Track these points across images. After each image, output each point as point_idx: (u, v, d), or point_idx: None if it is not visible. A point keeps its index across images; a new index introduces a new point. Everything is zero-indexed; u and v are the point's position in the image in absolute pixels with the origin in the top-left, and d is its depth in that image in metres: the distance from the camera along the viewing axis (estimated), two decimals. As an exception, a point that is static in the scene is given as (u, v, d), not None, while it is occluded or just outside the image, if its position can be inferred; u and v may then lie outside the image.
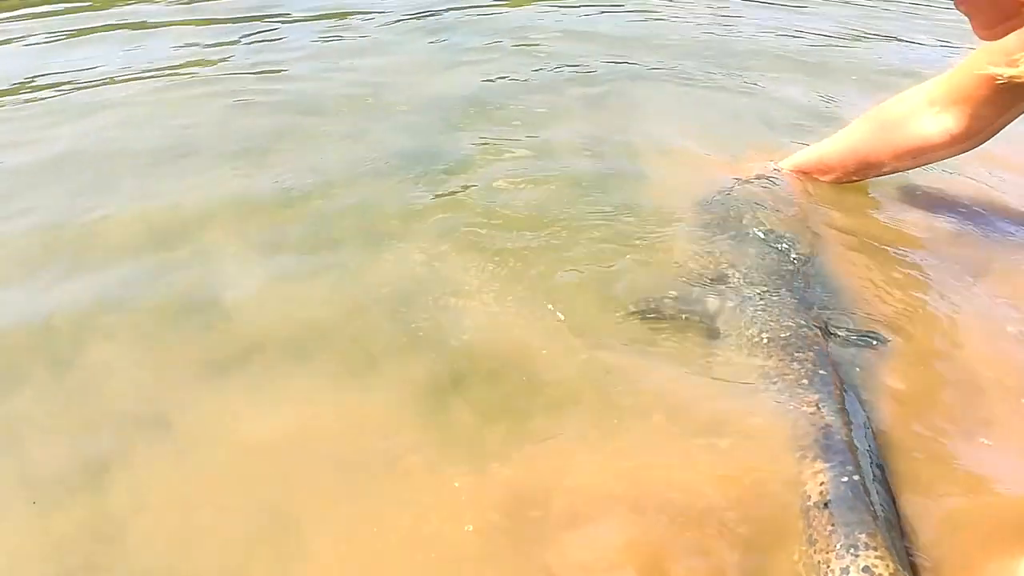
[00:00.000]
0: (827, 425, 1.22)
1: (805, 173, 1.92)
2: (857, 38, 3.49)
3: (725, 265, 1.64)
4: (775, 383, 1.34)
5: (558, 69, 2.86)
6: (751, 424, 1.27)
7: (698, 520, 1.12)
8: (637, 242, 1.74)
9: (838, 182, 1.91)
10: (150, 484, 1.20)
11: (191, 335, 1.49)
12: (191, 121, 2.38)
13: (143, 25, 3.30)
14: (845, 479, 1.12)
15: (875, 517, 1.06)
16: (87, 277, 1.65)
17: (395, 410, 1.33)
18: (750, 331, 1.45)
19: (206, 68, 2.82)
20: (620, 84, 2.76)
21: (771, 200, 1.85)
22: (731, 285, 1.58)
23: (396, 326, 1.50)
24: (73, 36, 3.16)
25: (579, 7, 3.72)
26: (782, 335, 1.43)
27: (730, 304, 1.52)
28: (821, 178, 1.91)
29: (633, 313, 1.52)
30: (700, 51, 3.09)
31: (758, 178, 1.93)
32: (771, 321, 1.46)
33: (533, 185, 2.00)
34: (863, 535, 1.03)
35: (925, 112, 1.77)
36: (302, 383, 1.39)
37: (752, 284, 1.58)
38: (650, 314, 1.52)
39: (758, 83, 2.79)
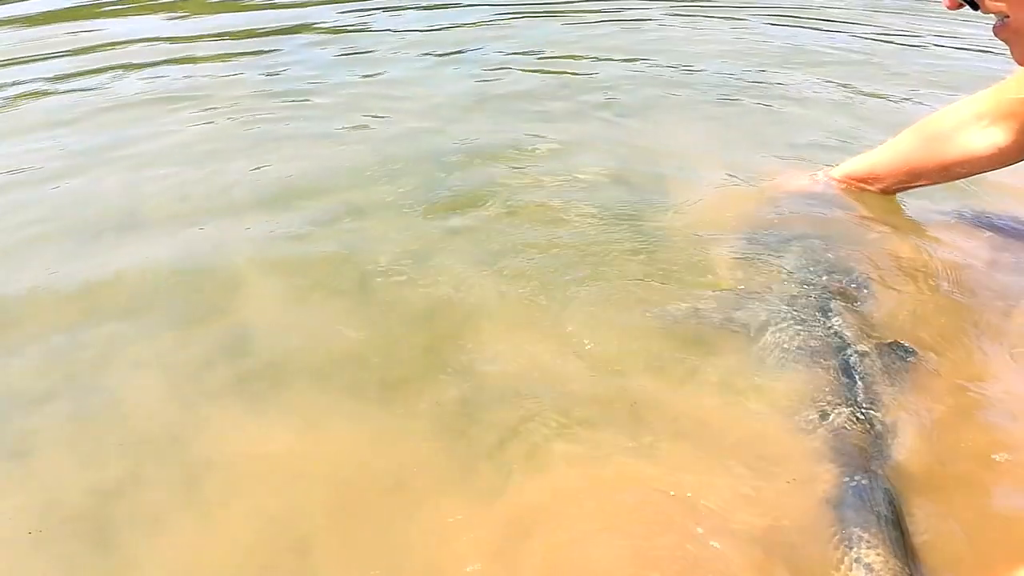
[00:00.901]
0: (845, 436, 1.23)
1: (856, 181, 1.94)
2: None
3: (763, 280, 1.63)
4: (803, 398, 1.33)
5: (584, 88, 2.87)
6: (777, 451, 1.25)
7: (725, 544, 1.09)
8: (667, 265, 1.72)
9: (887, 192, 1.92)
10: (161, 507, 1.18)
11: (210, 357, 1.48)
12: (213, 147, 2.39)
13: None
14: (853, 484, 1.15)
15: (878, 517, 1.08)
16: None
17: (413, 433, 1.31)
18: (784, 345, 1.44)
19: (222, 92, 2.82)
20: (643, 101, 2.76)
21: (815, 214, 1.85)
22: (767, 302, 1.56)
23: (416, 350, 1.50)
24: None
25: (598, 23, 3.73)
26: (814, 350, 1.42)
27: (765, 322, 1.51)
28: (870, 187, 1.92)
29: (661, 333, 1.50)
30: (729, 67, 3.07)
31: (804, 191, 1.95)
32: (805, 337, 1.45)
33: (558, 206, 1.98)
34: (864, 532, 1.07)
35: (973, 125, 1.77)
36: (324, 405, 1.38)
37: (789, 302, 1.55)
38: (679, 332, 1.51)
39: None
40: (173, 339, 1.53)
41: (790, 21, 3.97)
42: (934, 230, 1.87)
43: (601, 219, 1.92)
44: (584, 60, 3.26)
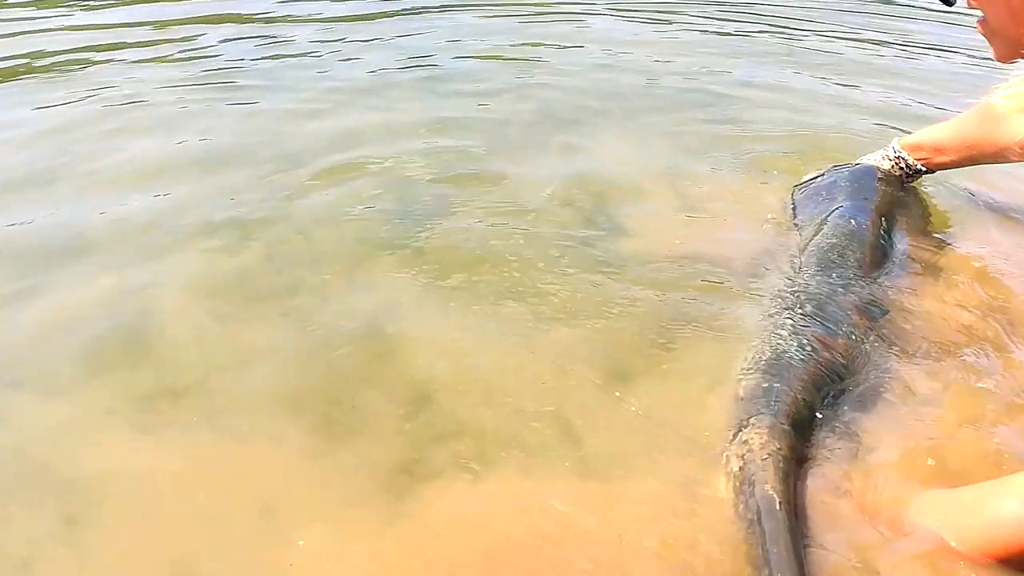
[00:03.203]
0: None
1: (923, 152, 1.98)
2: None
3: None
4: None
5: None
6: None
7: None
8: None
9: (949, 166, 1.98)
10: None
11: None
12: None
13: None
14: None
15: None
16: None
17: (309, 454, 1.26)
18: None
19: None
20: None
21: (853, 190, 1.93)
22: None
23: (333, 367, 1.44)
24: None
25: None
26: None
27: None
28: (935, 159, 1.97)
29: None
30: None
31: (850, 167, 2.04)
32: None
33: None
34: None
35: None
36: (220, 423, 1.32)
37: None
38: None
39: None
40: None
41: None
42: (977, 213, 1.99)
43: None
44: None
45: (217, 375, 1.40)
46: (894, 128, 2.46)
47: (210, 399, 1.35)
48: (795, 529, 1.08)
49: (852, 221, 1.79)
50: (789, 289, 1.60)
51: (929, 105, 2.81)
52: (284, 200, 1.99)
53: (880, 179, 1.96)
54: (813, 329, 1.44)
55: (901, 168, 1.99)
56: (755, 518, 1.09)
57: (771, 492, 1.11)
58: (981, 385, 1.38)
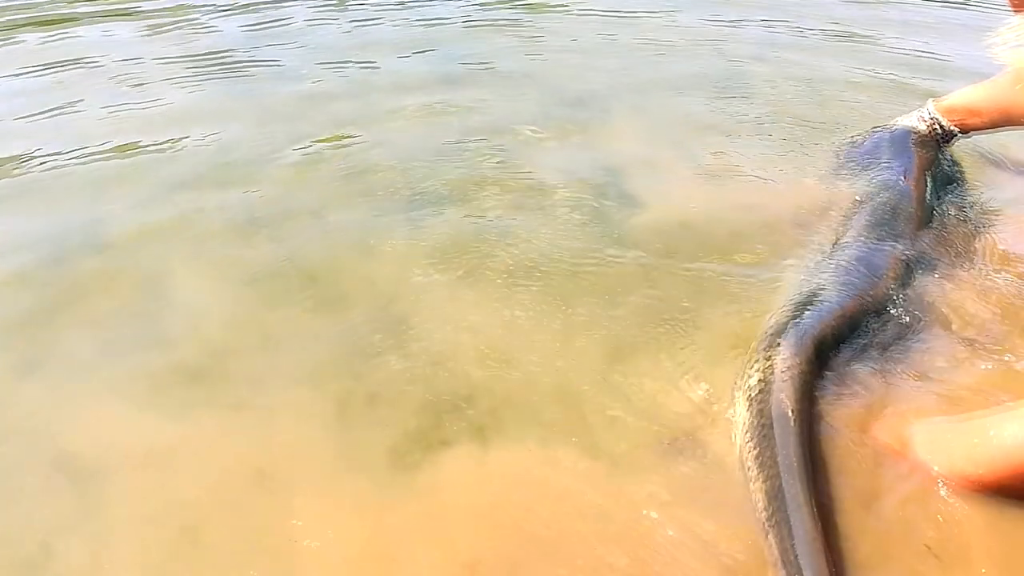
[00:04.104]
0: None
1: (957, 114, 1.99)
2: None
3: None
4: None
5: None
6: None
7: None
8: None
9: (983, 128, 1.98)
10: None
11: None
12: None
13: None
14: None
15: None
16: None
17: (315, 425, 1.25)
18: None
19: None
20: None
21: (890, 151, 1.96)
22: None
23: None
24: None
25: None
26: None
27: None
28: (968, 121, 1.98)
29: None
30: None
31: (889, 130, 2.06)
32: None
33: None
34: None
35: None
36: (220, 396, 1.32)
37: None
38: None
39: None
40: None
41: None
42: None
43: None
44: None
45: (229, 351, 1.40)
46: (910, 83, 2.50)
47: (224, 376, 1.35)
48: (805, 439, 1.10)
49: (900, 181, 1.81)
50: (834, 243, 1.61)
51: (942, 57, 2.81)
52: (291, 175, 1.98)
53: (918, 142, 1.97)
54: (852, 276, 1.46)
55: (936, 130, 1.99)
56: (767, 424, 1.11)
57: (786, 401, 1.13)
58: (999, 340, 1.38)
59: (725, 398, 1.24)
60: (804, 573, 0.93)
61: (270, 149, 2.12)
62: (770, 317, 1.37)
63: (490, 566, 1.03)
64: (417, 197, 1.87)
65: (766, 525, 1.01)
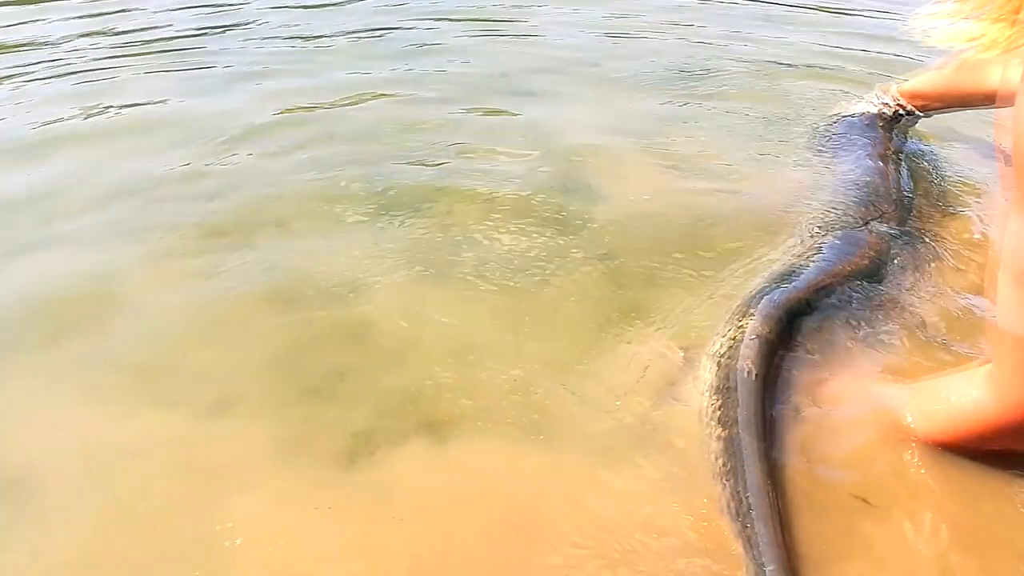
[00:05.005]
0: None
1: (917, 98, 2.10)
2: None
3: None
4: None
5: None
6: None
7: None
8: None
9: (944, 110, 2.11)
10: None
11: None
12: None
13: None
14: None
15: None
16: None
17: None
18: None
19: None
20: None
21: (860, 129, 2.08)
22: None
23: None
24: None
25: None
26: None
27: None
28: (930, 104, 2.09)
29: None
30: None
31: (857, 114, 2.15)
32: None
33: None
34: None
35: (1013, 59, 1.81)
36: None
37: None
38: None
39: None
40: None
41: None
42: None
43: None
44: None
45: (173, 348, 1.35)
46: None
47: (167, 373, 1.30)
48: (762, 397, 1.15)
49: (873, 162, 1.90)
50: (812, 224, 1.67)
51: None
52: (245, 163, 1.95)
53: (884, 124, 2.08)
54: (825, 251, 1.52)
55: (900, 113, 2.11)
56: (730, 383, 1.17)
57: (749, 363, 1.19)
58: (963, 306, 1.44)
59: (687, 388, 1.24)
60: (752, 517, 0.99)
61: (216, 134, 2.10)
62: (741, 295, 1.39)
63: (443, 563, 1.00)
64: (372, 189, 1.83)
65: (720, 474, 1.07)
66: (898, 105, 2.11)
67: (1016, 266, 0.97)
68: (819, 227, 1.65)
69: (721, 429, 1.12)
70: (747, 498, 1.02)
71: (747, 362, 1.19)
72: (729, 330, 1.28)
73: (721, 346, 1.26)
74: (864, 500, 1.07)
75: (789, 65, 2.71)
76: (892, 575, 0.99)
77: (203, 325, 1.41)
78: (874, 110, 2.12)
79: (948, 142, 2.17)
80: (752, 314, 1.29)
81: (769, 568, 0.94)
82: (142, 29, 2.95)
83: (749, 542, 0.98)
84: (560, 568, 0.99)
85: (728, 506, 1.03)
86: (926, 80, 2.11)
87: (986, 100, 1.89)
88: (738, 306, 1.35)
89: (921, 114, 2.10)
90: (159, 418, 1.21)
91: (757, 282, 1.44)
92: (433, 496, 1.09)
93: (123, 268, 1.56)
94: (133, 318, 1.42)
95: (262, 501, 1.08)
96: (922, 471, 1.11)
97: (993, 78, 1.84)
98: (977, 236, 1.68)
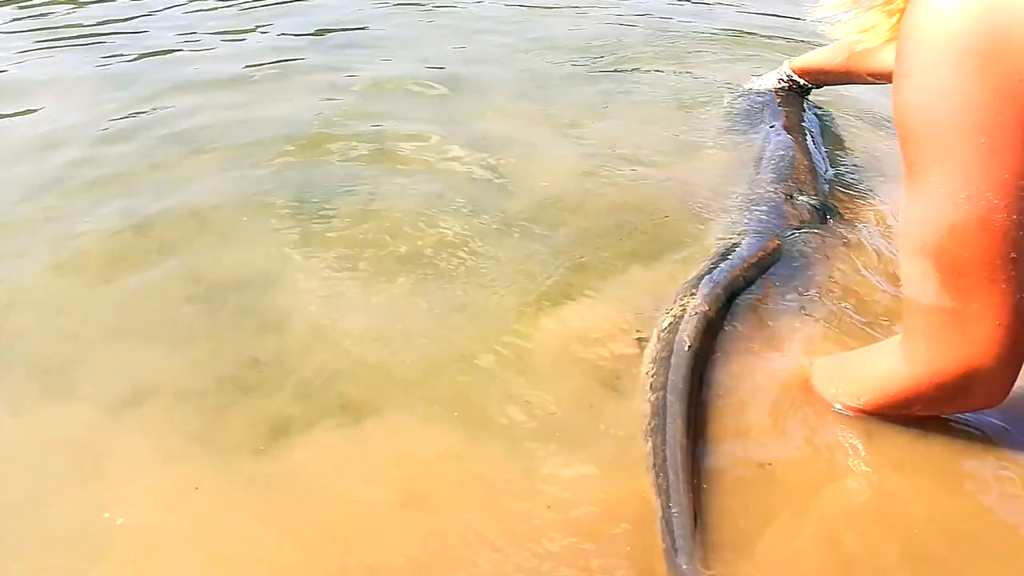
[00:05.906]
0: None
1: (809, 73, 2.22)
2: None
3: None
4: None
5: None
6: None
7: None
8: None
9: (832, 84, 2.24)
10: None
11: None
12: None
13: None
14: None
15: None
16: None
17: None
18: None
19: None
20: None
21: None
22: None
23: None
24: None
25: None
26: None
27: None
28: (821, 79, 2.21)
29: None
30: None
31: (756, 91, 2.27)
32: None
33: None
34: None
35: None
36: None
37: None
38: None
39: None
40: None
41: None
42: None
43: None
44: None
45: (73, 337, 1.34)
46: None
47: (69, 365, 1.28)
48: (695, 366, 1.22)
49: (790, 137, 1.98)
50: (741, 201, 1.73)
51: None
52: (142, 144, 1.96)
53: (784, 99, 2.21)
54: (759, 228, 1.60)
55: (794, 88, 2.23)
56: (667, 353, 1.23)
57: (687, 338, 1.25)
58: (887, 278, 1.49)
59: (615, 367, 1.27)
60: (668, 470, 1.05)
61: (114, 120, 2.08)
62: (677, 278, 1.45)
63: (361, 551, 1.00)
64: (289, 182, 1.81)
65: (647, 432, 1.14)
66: (790, 80, 2.23)
67: (910, 237, 1.02)
68: (744, 204, 1.71)
69: (651, 393, 1.19)
70: (664, 450, 1.08)
71: (685, 335, 1.26)
72: (674, 307, 1.34)
73: (665, 321, 1.32)
74: (771, 466, 1.12)
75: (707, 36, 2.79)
76: (803, 543, 1.02)
77: (116, 320, 1.39)
78: (782, 85, 2.24)
79: (857, 113, 2.27)
80: (694, 293, 1.36)
81: (675, 510, 1.00)
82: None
83: (660, 490, 1.04)
84: (475, 544, 1.01)
85: (650, 463, 1.09)
86: (815, 56, 2.21)
87: (874, 79, 2.00)
88: (684, 285, 1.40)
89: (812, 87, 2.22)
90: (64, 413, 1.19)
91: (691, 265, 1.49)
92: (346, 478, 1.09)
93: (25, 266, 1.52)
94: (38, 316, 1.39)
95: (164, 490, 1.07)
96: (841, 439, 1.16)
97: (882, 59, 1.90)
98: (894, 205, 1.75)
